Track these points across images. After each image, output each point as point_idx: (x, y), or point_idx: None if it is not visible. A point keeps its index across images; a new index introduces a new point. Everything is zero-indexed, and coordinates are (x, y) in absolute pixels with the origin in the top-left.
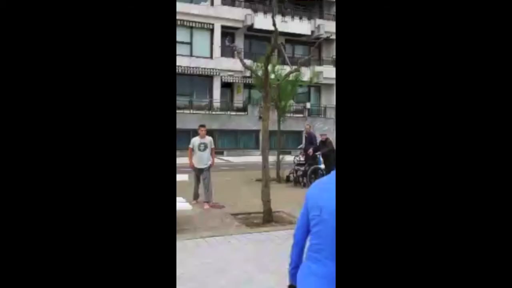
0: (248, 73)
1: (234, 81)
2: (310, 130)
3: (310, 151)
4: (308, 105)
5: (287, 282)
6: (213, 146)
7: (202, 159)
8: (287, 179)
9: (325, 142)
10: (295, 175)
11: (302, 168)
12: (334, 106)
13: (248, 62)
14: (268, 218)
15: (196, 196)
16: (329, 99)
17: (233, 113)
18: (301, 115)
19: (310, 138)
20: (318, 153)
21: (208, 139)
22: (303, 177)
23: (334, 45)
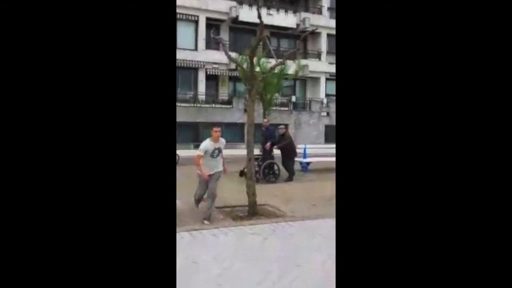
0: (233, 66)
1: (219, 73)
2: (268, 125)
3: (268, 145)
4: (293, 98)
5: (270, 275)
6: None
7: (215, 166)
8: (241, 174)
9: (283, 135)
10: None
11: (256, 163)
12: (319, 99)
13: (233, 54)
14: (254, 211)
15: (200, 199)
16: (314, 93)
17: (218, 105)
18: (287, 108)
19: (269, 132)
20: (275, 147)
21: (223, 143)
22: (257, 172)
23: (319, 39)
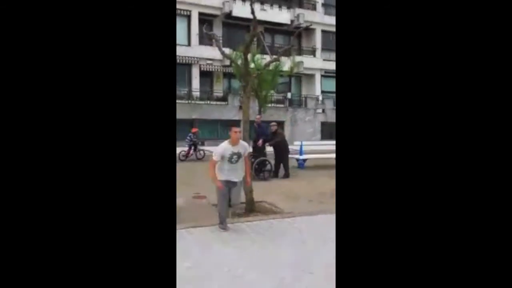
0: (227, 62)
1: (213, 69)
2: (260, 121)
3: (260, 142)
4: (289, 95)
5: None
6: (247, 154)
7: (234, 173)
8: None
9: (275, 132)
10: None
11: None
12: (315, 96)
13: (227, 50)
14: (251, 208)
15: (223, 220)
16: (310, 89)
17: (213, 102)
18: (282, 105)
19: (262, 129)
20: (267, 144)
21: (243, 146)
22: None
23: (314, 35)
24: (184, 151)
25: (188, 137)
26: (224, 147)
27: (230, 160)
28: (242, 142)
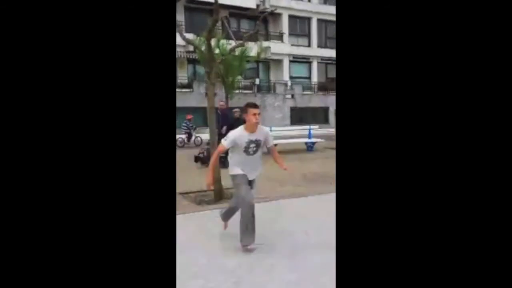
0: (191, 48)
1: (176, 55)
2: (225, 107)
3: (224, 129)
4: (257, 81)
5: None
6: (273, 143)
7: (251, 167)
8: (196, 159)
9: (239, 119)
10: (205, 154)
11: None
12: (284, 82)
13: (190, 36)
14: (220, 195)
15: (231, 213)
16: (278, 75)
17: (178, 89)
18: (250, 91)
19: (225, 115)
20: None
21: (263, 133)
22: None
23: (280, 20)
24: (182, 138)
25: (184, 124)
26: (238, 133)
27: (246, 151)
28: (262, 127)
